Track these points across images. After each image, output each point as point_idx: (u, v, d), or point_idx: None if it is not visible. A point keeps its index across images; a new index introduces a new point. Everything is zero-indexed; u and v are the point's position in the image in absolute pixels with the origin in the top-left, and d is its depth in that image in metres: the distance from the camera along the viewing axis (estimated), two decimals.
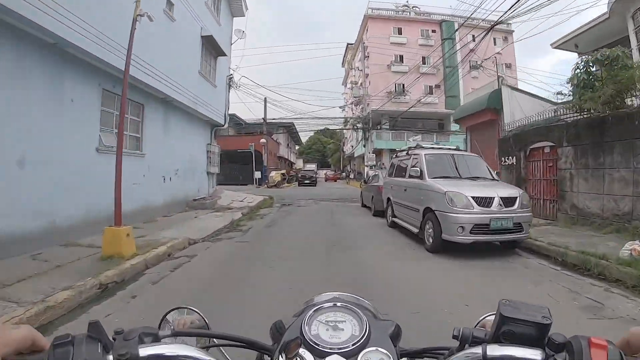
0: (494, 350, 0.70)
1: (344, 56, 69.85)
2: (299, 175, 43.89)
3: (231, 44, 21.82)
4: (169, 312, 1.01)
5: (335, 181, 63.84)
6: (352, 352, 0.76)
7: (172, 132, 15.31)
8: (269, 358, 0.84)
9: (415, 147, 11.50)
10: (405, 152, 12.01)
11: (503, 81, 18.26)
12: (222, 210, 16.27)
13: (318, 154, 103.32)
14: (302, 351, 0.75)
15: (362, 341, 0.78)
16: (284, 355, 0.72)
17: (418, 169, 9.75)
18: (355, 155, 56.94)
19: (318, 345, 0.77)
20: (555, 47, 18.78)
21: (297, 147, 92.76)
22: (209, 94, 18.19)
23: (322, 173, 74.04)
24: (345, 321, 0.85)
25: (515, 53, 47.15)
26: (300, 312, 0.92)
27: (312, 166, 65.94)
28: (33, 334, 0.68)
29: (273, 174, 37.81)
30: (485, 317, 0.91)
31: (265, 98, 41.44)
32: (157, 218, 13.27)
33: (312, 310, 0.87)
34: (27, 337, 0.67)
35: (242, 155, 42.84)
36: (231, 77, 22.14)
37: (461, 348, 0.77)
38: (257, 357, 0.92)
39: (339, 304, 0.89)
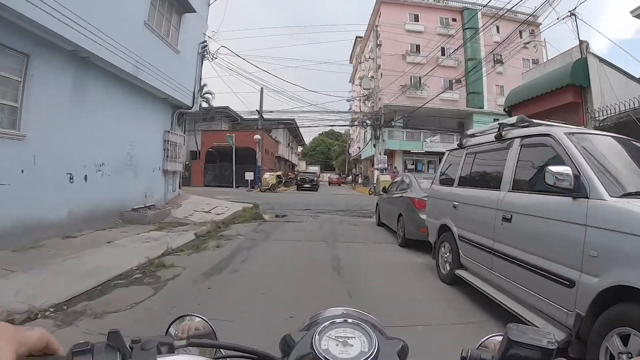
0: None
1: (352, 50, 64.66)
2: (298, 177, 38.34)
3: (209, 3, 16.65)
4: (175, 320, 1.00)
5: (340, 185, 59.53)
6: None
7: (92, 107, 9.92)
8: None
9: (524, 123, 5.17)
10: (497, 131, 5.45)
11: (588, 48, 12.59)
12: (170, 226, 11.00)
13: (322, 156, 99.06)
14: None
15: (371, 358, 0.74)
16: None
17: (565, 171, 3.56)
18: (363, 157, 51.86)
19: None
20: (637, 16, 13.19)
21: (300, 148, 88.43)
22: (166, 61, 12.93)
23: (325, 176, 71.25)
24: (354, 337, 0.81)
25: (544, 50, 41.88)
26: (307, 327, 0.89)
27: (314, 169, 60.80)
28: (47, 336, 0.68)
29: (267, 175, 32.51)
30: (489, 337, 0.92)
31: (261, 88, 36.09)
32: (45, 242, 7.95)
33: (323, 325, 0.83)
34: (42, 338, 0.67)
35: (238, 151, 37.64)
36: (205, 46, 16.77)
37: None
38: None
39: (350, 320, 0.85)
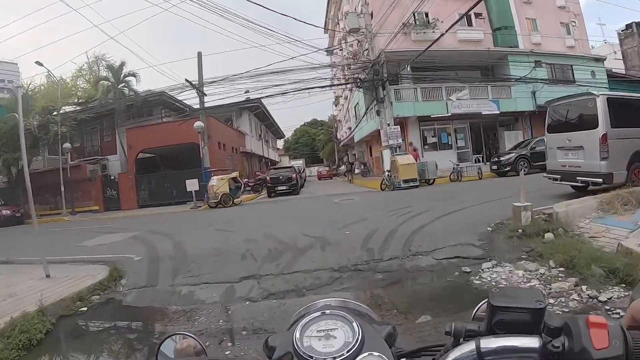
0: (488, 342, 0.68)
1: (327, 14, 51.52)
2: (268, 177, 25.72)
3: None
4: (164, 340, 0.98)
5: (331, 178, 50.05)
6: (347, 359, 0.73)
7: None
8: None
9: None
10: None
11: None
12: None
13: (307, 149, 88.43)
14: None
15: (356, 347, 0.74)
16: None
17: None
18: (357, 140, 40.17)
19: (312, 357, 0.74)
20: None
21: (280, 143, 79.01)
22: None
23: (313, 170, 64.74)
24: (337, 328, 0.80)
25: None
26: (292, 324, 0.88)
27: (297, 162, 48.36)
28: None
29: (213, 181, 20.26)
30: (481, 305, 0.87)
31: (199, 52, 24.04)
32: None
33: (302, 322, 0.82)
34: None
35: (183, 152, 28.87)
36: None
37: (456, 343, 0.74)
38: None
39: (327, 311, 0.84)
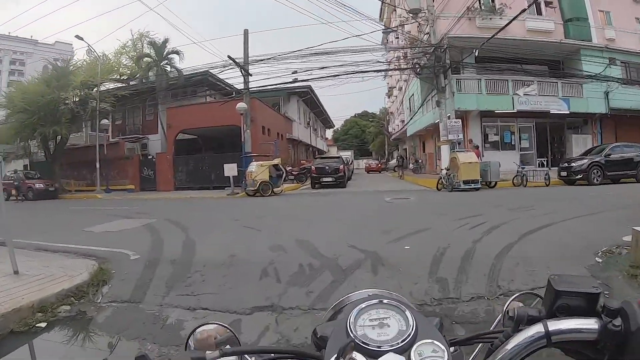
0: (553, 325, 0.69)
1: (382, 2, 48.87)
2: (313, 167, 23.37)
3: None
4: (194, 330, 0.93)
5: (380, 172, 47.44)
6: (403, 348, 0.72)
7: None
8: None
9: None
10: None
11: None
12: None
13: (356, 140, 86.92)
14: (354, 354, 0.69)
15: (411, 335, 0.73)
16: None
17: None
18: (410, 133, 38.11)
19: (368, 345, 0.72)
20: None
21: (329, 133, 77.21)
22: None
23: (361, 163, 62.69)
24: (389, 317, 0.79)
25: None
26: (334, 315, 0.90)
27: (346, 154, 46.33)
28: None
29: (253, 168, 18.62)
30: (516, 296, 0.91)
31: (245, 30, 22.40)
32: None
33: (355, 310, 0.80)
34: None
35: (225, 135, 27.53)
36: None
37: (516, 328, 0.74)
38: None
39: (384, 300, 0.82)
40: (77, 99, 26.20)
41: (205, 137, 30.43)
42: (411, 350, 0.70)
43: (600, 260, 5.60)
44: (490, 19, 23.65)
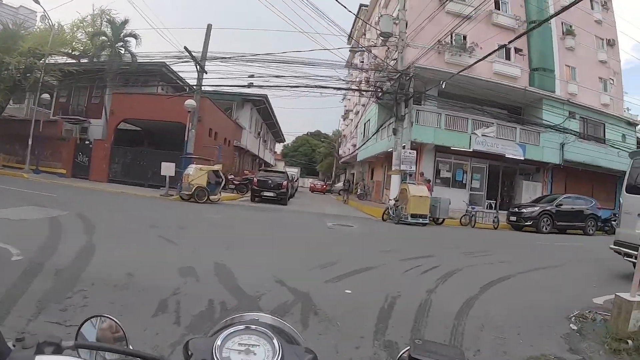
0: None
1: (354, 25, 48.04)
2: (256, 179, 22.04)
3: None
4: (87, 320, 0.95)
5: (324, 194, 48.25)
6: None
7: None
8: None
9: None
10: None
11: None
12: None
13: (305, 159, 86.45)
14: None
15: None
16: None
17: None
18: (359, 159, 37.59)
19: None
20: None
21: (278, 147, 77.36)
22: None
23: (307, 182, 64.11)
24: (259, 345, 0.80)
25: (617, 26, 31.03)
26: (214, 332, 0.87)
27: (292, 170, 45.41)
28: None
29: (190, 170, 17.39)
30: (402, 354, 0.85)
31: (208, 24, 21.26)
32: None
33: (225, 332, 0.82)
34: None
35: (170, 131, 25.21)
36: None
37: None
38: None
39: (252, 326, 0.84)
40: (22, 67, 24.32)
41: (150, 130, 28.81)
42: None
43: (575, 328, 4.83)
44: (460, 55, 23.53)
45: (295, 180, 35.40)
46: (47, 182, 20.16)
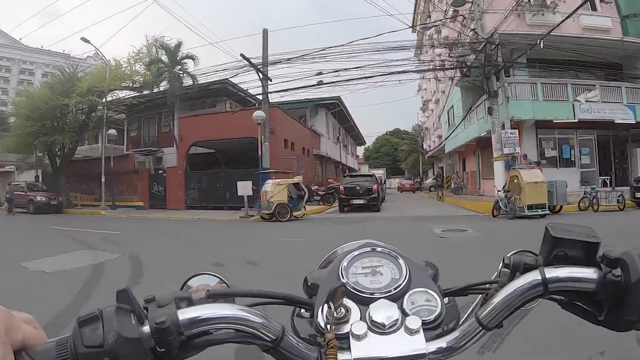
0: (550, 272, 0.65)
1: (415, 10, 45.31)
2: (342, 187, 20.08)
3: None
4: (190, 278, 0.89)
5: (413, 192, 45.84)
6: (396, 295, 0.71)
7: None
8: (309, 313, 0.77)
9: None
10: None
11: None
12: None
13: (388, 159, 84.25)
14: (346, 300, 0.69)
15: (404, 283, 0.72)
16: (330, 305, 0.66)
17: None
18: (448, 150, 34.95)
19: (360, 292, 0.71)
20: None
21: (360, 150, 75.29)
22: None
23: (393, 182, 62.76)
24: (382, 265, 0.78)
25: None
26: (327, 263, 0.87)
27: (378, 172, 43.29)
28: (37, 324, 0.55)
29: (268, 187, 15.82)
30: (514, 253, 0.78)
31: (264, 29, 19.73)
32: None
33: (348, 257, 0.79)
34: (33, 325, 0.54)
35: (245, 149, 23.60)
36: None
37: (511, 278, 0.71)
38: (293, 313, 0.81)
39: (378, 249, 0.81)
40: (83, 107, 24.45)
41: (224, 151, 27.90)
42: (404, 298, 0.69)
43: None
44: (542, 14, 20.56)
45: (383, 182, 33.43)
46: (122, 217, 20.10)
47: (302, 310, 0.78)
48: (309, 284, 0.78)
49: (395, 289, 0.71)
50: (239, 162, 26.37)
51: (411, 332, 0.64)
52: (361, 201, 18.83)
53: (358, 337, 0.63)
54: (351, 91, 30.19)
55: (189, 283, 0.87)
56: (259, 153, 18.70)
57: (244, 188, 17.42)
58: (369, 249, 0.80)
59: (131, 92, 26.92)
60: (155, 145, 28.53)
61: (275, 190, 15.55)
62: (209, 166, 27.45)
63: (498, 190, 15.12)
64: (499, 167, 17.06)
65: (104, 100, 24.56)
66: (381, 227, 13.68)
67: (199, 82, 25.06)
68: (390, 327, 0.64)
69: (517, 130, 17.30)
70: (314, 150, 31.63)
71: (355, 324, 0.64)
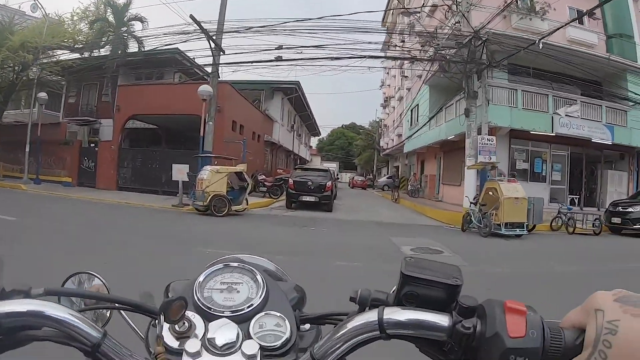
0: (392, 313, 0.61)
1: (387, 6, 43.59)
2: (292, 180, 17.64)
3: None
4: (71, 276, 0.91)
5: (365, 189, 44.63)
6: (246, 316, 0.69)
7: None
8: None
9: None
10: None
11: None
12: None
13: (341, 152, 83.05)
14: (191, 314, 0.67)
15: (258, 304, 0.71)
16: (166, 317, 0.63)
17: None
18: (407, 150, 33.42)
19: (209, 308, 0.70)
20: None
21: (313, 141, 72.49)
22: None
23: (344, 176, 61.74)
24: (242, 283, 0.76)
25: None
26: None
27: (331, 165, 41.32)
28: None
29: (205, 173, 13.39)
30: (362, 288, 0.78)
31: None
32: None
33: (206, 272, 0.78)
34: None
35: (188, 126, 21.33)
36: None
37: (361, 311, 0.67)
38: (150, 322, 0.78)
39: (234, 264, 0.80)
40: (14, 64, 21.74)
41: (166, 128, 25.30)
42: (251, 321, 0.67)
43: None
44: (530, 19, 19.15)
45: (337, 178, 31.38)
46: (42, 194, 17.63)
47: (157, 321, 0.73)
48: (168, 292, 0.77)
49: (247, 307, 0.68)
50: (182, 142, 24.02)
51: (247, 357, 0.61)
52: (312, 198, 16.70)
53: (192, 355, 0.60)
54: (313, 72, 28.23)
55: (71, 280, 0.87)
56: (200, 134, 16.29)
57: (179, 172, 15.11)
58: (227, 264, 0.78)
59: (71, 54, 24.04)
60: (94, 115, 25.97)
61: (213, 178, 13.20)
62: (150, 144, 24.90)
63: (471, 202, 13.21)
64: (470, 175, 15.28)
65: (38, 59, 21.58)
66: (335, 234, 11.46)
67: (146, 50, 22.41)
68: (228, 348, 0.62)
69: (494, 137, 15.59)
70: (265, 136, 29.40)
71: (189, 342, 0.61)
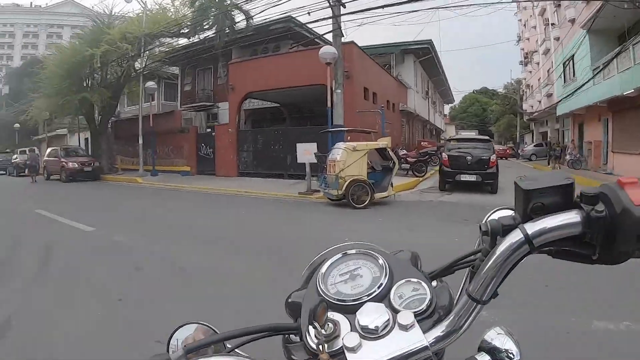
0: (531, 227, 0.61)
1: None
2: (444, 153, 14.04)
3: None
4: (176, 330, 0.88)
5: (506, 158, 39.41)
6: (382, 294, 0.68)
7: None
8: (298, 337, 0.72)
9: None
10: None
11: None
12: None
13: (475, 119, 76.29)
14: (331, 314, 0.65)
15: (387, 279, 0.69)
16: (315, 324, 0.62)
17: None
18: (560, 112, 28.39)
19: (344, 301, 0.68)
20: None
21: (446, 109, 67.08)
22: None
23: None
24: (360, 267, 0.75)
25: None
26: (307, 280, 0.82)
27: (470, 134, 37.49)
28: None
29: (339, 151, 10.44)
30: (491, 214, 0.77)
31: None
32: None
33: (321, 270, 0.75)
34: None
35: (316, 99, 17.40)
36: None
37: (493, 243, 0.66)
38: (283, 341, 0.77)
39: (349, 252, 0.78)
40: (118, 58, 21.10)
41: (289, 104, 22.81)
42: (390, 295, 0.66)
43: None
44: None
45: (490, 149, 27.92)
46: (156, 187, 17.10)
47: (292, 336, 0.72)
48: (291, 304, 0.75)
49: (378, 287, 0.67)
50: (308, 118, 21.87)
51: (406, 328, 0.60)
52: (472, 177, 13.15)
53: (353, 349, 0.59)
54: (444, 28, 24.45)
55: (175, 336, 0.84)
56: (327, 105, 13.52)
57: (306, 152, 12.36)
58: (339, 255, 0.76)
59: (178, 40, 23.15)
60: (211, 100, 24.83)
61: (349, 159, 10.07)
62: (274, 124, 23.14)
63: None
64: None
65: (141, 48, 20.74)
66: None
67: (256, 24, 20.25)
68: (383, 329, 0.61)
69: None
70: (400, 104, 25.86)
71: (346, 337, 0.60)
